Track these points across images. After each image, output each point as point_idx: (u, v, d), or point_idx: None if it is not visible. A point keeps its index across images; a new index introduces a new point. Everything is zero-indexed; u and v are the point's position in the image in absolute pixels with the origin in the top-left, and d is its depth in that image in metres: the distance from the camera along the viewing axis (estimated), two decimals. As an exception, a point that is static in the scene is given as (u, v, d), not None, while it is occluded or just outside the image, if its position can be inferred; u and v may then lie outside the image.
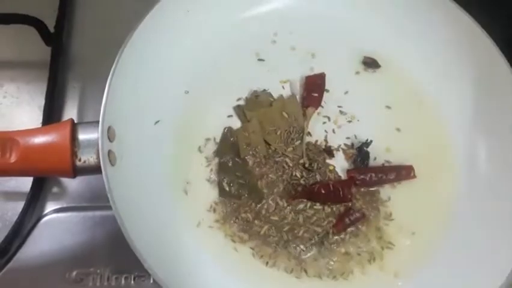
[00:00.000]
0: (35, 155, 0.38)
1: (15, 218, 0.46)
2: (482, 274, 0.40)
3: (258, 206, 0.45)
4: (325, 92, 0.50)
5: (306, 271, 0.43)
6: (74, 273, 0.46)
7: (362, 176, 0.45)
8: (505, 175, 0.44)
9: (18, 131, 0.39)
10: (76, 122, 0.41)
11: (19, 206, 0.47)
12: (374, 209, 0.45)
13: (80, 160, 0.39)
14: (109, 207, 0.47)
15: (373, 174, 0.45)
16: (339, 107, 0.49)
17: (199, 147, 0.47)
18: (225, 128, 0.48)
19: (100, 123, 0.39)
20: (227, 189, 0.45)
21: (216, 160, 0.46)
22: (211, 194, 0.46)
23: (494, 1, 0.54)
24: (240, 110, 0.48)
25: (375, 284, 0.42)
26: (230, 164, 0.46)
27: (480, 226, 0.43)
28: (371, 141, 0.47)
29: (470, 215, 0.44)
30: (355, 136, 0.48)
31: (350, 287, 0.42)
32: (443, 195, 0.46)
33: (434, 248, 0.43)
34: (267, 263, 0.43)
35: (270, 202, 0.45)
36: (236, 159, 0.47)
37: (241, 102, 0.49)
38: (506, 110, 0.46)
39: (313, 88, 0.49)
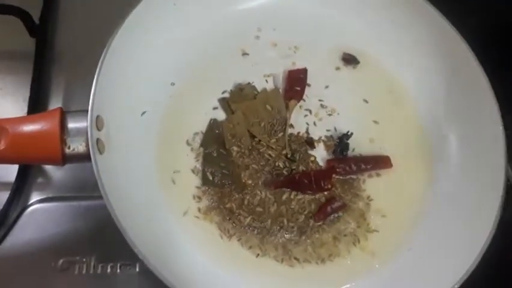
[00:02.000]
0: (24, 143, 0.39)
1: (0, 208, 0.46)
2: (454, 261, 0.42)
3: (241, 195, 0.46)
4: (307, 87, 0.52)
5: (297, 259, 0.45)
6: (60, 261, 0.46)
7: (341, 165, 0.47)
8: (473, 164, 0.47)
9: (7, 118, 0.40)
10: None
11: (4, 196, 0.47)
12: (353, 196, 0.47)
13: (69, 148, 0.40)
14: (94, 198, 0.48)
15: (352, 164, 0.47)
16: (320, 100, 0.51)
17: (186, 138, 0.48)
18: (210, 120, 0.49)
19: (89, 111, 0.40)
20: (210, 178, 0.47)
21: (201, 150, 0.48)
22: (197, 183, 0.47)
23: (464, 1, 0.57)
24: (225, 102, 0.50)
25: (356, 265, 0.45)
26: (215, 155, 0.48)
27: (452, 213, 0.45)
28: (352, 133, 0.49)
29: (443, 202, 0.46)
30: (335, 128, 0.50)
31: (336, 268, 0.44)
32: (417, 183, 0.48)
33: (409, 234, 0.46)
34: (257, 254, 0.45)
35: (254, 193, 0.47)
36: (220, 150, 0.48)
37: (226, 95, 0.50)
38: (474, 104, 0.49)
39: (296, 82, 0.51)
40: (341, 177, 0.48)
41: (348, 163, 0.48)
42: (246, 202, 0.46)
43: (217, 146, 0.48)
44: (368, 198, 0.48)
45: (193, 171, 0.47)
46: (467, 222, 0.43)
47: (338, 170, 0.47)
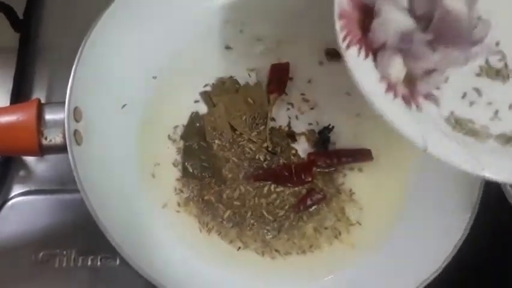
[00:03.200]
0: (1, 134, 0.39)
1: (-19, 201, 0.47)
2: (434, 250, 0.42)
3: (221, 188, 0.47)
4: (289, 80, 0.51)
5: (277, 251, 0.45)
6: (41, 254, 0.47)
7: (322, 158, 0.47)
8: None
9: (-17, 109, 0.40)
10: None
11: (-15, 189, 0.48)
12: (335, 189, 0.47)
13: (46, 139, 0.40)
14: (76, 191, 0.48)
15: (333, 156, 0.47)
16: (302, 94, 0.51)
17: (167, 131, 0.48)
18: (192, 113, 0.49)
19: (67, 102, 0.40)
20: (190, 170, 0.47)
21: (182, 143, 0.48)
22: (177, 176, 0.47)
23: None
24: (206, 96, 0.50)
25: (336, 257, 0.45)
26: (195, 147, 0.48)
27: (431, 203, 0.45)
28: (333, 126, 0.49)
29: (422, 194, 0.46)
30: (317, 122, 0.50)
31: (316, 260, 0.45)
32: (398, 176, 0.48)
33: (389, 226, 0.46)
34: (239, 248, 0.45)
35: (234, 186, 0.47)
36: (201, 142, 0.48)
37: (208, 88, 0.50)
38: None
39: (278, 76, 0.51)
40: (322, 170, 0.48)
41: (328, 156, 0.48)
42: (225, 195, 0.47)
43: (198, 138, 0.48)
44: (349, 191, 0.48)
45: (173, 164, 0.47)
46: (447, 210, 0.43)
47: (318, 162, 0.47)
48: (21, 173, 0.50)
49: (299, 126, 0.50)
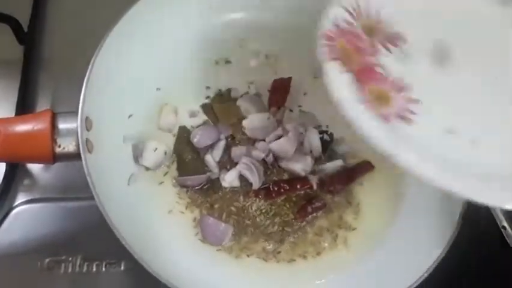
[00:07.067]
0: (16, 142, 0.41)
1: (-14, 209, 0.47)
2: (424, 252, 0.44)
3: (219, 198, 0.49)
4: (286, 93, 0.54)
5: (279, 253, 0.47)
6: (46, 261, 0.48)
7: (336, 184, 0.50)
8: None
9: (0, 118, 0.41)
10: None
11: (-10, 197, 0.48)
12: (333, 195, 0.50)
13: (59, 147, 0.42)
14: (79, 199, 0.50)
15: (344, 179, 0.50)
16: (299, 106, 0.54)
17: (169, 140, 0.50)
18: (180, 126, 0.51)
19: (79, 112, 0.41)
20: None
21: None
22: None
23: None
24: (207, 107, 0.52)
25: (334, 260, 0.48)
26: (189, 159, 0.49)
27: (423, 207, 0.48)
28: (332, 133, 0.52)
29: (415, 200, 0.49)
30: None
31: (316, 263, 0.47)
32: (395, 183, 0.50)
33: (385, 230, 0.48)
34: (247, 255, 0.47)
35: (233, 198, 0.49)
36: (194, 155, 0.50)
37: (209, 100, 0.53)
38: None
39: (279, 90, 0.54)
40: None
41: (340, 180, 0.50)
42: (225, 206, 0.48)
43: (189, 149, 0.50)
44: (346, 198, 0.50)
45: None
46: (437, 212, 0.46)
47: (330, 188, 0.49)
48: (26, 181, 0.51)
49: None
